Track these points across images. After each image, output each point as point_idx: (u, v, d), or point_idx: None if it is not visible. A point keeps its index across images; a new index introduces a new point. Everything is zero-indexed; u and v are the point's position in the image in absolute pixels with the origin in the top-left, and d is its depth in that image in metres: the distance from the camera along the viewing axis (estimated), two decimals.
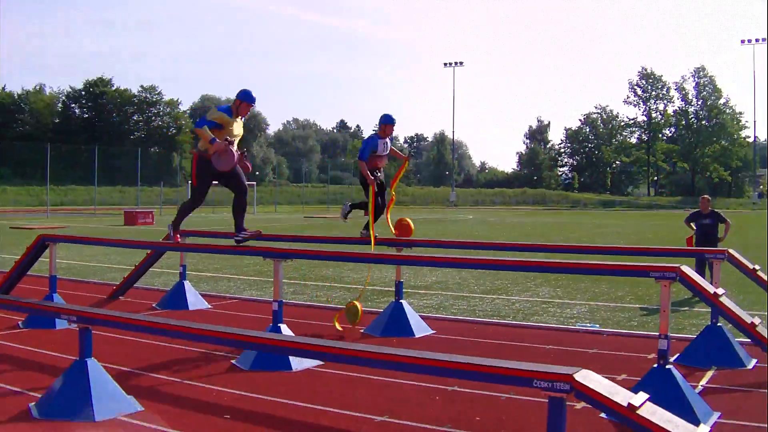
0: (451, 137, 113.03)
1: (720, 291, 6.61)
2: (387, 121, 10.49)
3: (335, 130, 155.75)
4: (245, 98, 9.00)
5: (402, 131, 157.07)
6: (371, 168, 10.36)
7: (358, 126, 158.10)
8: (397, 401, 6.76)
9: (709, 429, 4.59)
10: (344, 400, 6.79)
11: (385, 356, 5.03)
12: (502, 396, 6.80)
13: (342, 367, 7.72)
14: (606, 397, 4.17)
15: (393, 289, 10.52)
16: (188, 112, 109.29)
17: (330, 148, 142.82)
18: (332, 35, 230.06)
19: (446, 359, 4.88)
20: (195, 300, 12.17)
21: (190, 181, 8.97)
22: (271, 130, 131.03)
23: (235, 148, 8.95)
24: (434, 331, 10.04)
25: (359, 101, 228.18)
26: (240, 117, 9.09)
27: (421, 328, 9.96)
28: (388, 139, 10.53)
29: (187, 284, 12.26)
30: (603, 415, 5.64)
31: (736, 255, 8.47)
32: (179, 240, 9.70)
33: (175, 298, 12.03)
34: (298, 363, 7.87)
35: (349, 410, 6.46)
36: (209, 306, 12.22)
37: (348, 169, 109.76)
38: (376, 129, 10.61)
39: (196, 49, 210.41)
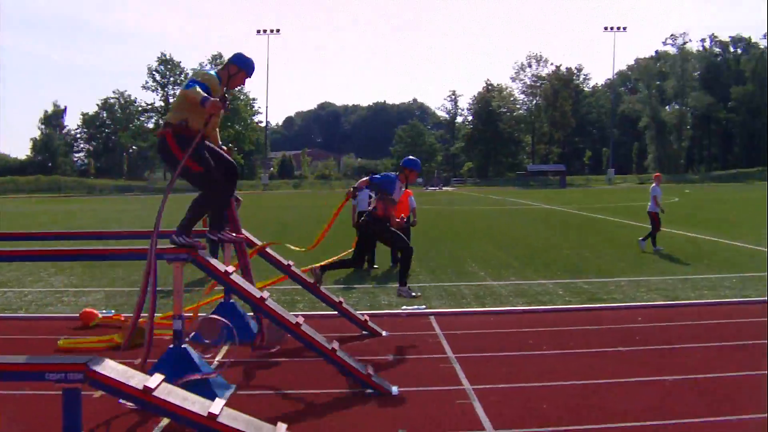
0: None
1: (231, 269, 6.92)
2: (415, 168, 8.87)
3: None
4: (246, 67, 6.56)
5: None
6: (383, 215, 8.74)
7: None
8: None
9: (224, 402, 4.78)
10: None
11: None
12: (16, 393, 6.40)
13: None
14: (121, 382, 4.15)
15: None
16: None
17: None
18: None
19: None
20: None
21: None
22: None
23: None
24: None
25: None
26: (226, 89, 6.51)
27: None
28: (404, 186, 8.90)
29: None
30: (121, 400, 5.59)
31: (248, 235, 8.91)
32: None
33: None
34: None
35: None
36: None
37: None
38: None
39: None
